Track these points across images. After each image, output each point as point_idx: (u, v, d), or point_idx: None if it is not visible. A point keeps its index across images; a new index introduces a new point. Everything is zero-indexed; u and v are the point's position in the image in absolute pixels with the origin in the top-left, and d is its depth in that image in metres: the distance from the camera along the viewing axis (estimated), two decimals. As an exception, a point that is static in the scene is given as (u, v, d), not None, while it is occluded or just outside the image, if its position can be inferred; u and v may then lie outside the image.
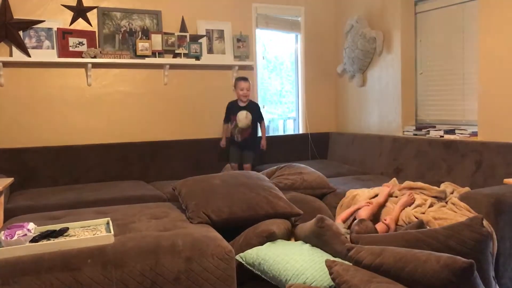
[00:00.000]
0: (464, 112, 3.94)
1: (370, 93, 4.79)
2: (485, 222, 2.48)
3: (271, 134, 5.86)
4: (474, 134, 3.63)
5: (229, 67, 4.72)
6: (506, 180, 2.49)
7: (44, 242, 2.10)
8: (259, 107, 4.51)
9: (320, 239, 2.31)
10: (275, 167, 3.79)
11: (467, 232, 1.86)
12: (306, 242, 2.42)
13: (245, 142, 4.38)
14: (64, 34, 4.04)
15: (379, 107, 4.66)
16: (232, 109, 4.40)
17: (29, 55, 3.92)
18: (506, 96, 3.36)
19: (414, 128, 4.23)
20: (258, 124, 4.50)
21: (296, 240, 2.62)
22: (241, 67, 4.78)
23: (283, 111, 6.14)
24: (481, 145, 3.41)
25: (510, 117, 3.35)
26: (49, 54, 4.01)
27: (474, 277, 1.64)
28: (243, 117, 4.33)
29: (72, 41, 4.07)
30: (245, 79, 4.40)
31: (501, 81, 3.40)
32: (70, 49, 4.06)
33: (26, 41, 3.93)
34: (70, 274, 1.97)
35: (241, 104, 4.37)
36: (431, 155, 3.78)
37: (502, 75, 3.39)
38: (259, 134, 4.58)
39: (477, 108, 3.63)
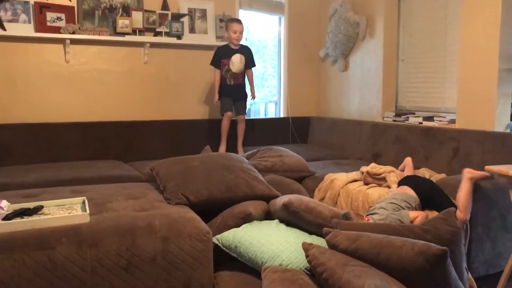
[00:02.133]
0: (443, 99, 3.98)
1: (351, 78, 4.80)
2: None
3: (252, 117, 5.85)
4: (452, 121, 3.67)
5: (211, 48, 4.66)
6: (487, 168, 2.53)
7: (17, 220, 2.06)
8: (251, 52, 4.39)
9: (296, 219, 2.32)
10: (256, 149, 3.78)
11: (442, 226, 1.89)
12: (282, 219, 2.43)
13: (238, 88, 4.30)
14: (41, 8, 3.92)
15: (360, 92, 4.68)
16: (224, 53, 4.26)
17: (4, 29, 3.80)
18: (484, 85, 3.40)
19: (394, 114, 4.26)
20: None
21: (272, 215, 2.61)
22: (223, 48, 4.72)
23: (265, 94, 6.12)
24: (458, 133, 3.46)
25: (487, 105, 3.40)
26: (25, 29, 3.90)
27: (447, 264, 1.67)
28: (237, 61, 4.20)
29: (50, 16, 3.96)
30: (238, 21, 4.28)
31: (480, 70, 3.43)
32: (48, 24, 3.96)
33: (2, 14, 3.81)
34: (43, 253, 1.94)
35: (234, 48, 4.26)
36: (409, 141, 3.82)
37: (481, 64, 3.42)
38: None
39: (456, 96, 3.67)
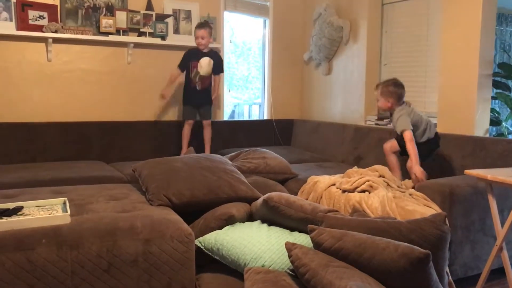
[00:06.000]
0: (425, 104, 4.03)
1: (335, 82, 4.83)
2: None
3: (236, 118, 5.85)
4: (433, 125, 3.72)
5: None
6: (467, 171, 2.57)
7: (-4, 220, 2.03)
8: (221, 58, 4.32)
9: (276, 214, 2.33)
10: (239, 151, 3.78)
11: (429, 228, 1.90)
12: (264, 218, 2.43)
13: (204, 93, 4.23)
14: (23, 6, 3.87)
15: (343, 96, 4.71)
16: (193, 56, 4.17)
17: (-15, 26, 3.75)
18: (465, 89, 3.46)
19: (376, 118, 4.30)
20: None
21: (254, 216, 2.60)
22: (208, 50, 4.71)
23: (249, 96, 6.14)
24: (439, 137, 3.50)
25: (467, 110, 3.45)
26: (7, 27, 3.84)
27: (429, 267, 1.69)
28: (205, 64, 4.08)
29: (32, 14, 3.91)
30: (202, 25, 4.16)
31: (460, 76, 3.49)
32: (30, 22, 3.90)
33: (-18, 11, 3.75)
34: (23, 254, 1.91)
35: (203, 51, 4.18)
36: (391, 145, 3.85)
37: (461, 69, 3.48)
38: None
39: (437, 100, 3.72)
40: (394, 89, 3.28)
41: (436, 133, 3.31)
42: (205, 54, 4.17)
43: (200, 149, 4.33)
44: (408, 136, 3.14)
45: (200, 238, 2.35)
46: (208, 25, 4.23)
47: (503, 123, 4.41)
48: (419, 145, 3.18)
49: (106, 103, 4.34)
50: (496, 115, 4.37)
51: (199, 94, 4.24)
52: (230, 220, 2.44)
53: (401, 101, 3.29)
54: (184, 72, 4.26)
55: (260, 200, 2.44)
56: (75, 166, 3.67)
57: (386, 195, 2.84)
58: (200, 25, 4.20)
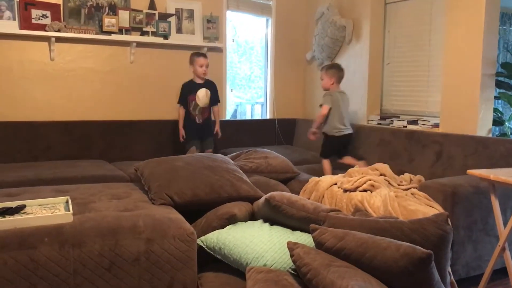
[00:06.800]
0: (427, 103, 4.03)
1: (337, 81, 4.82)
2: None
3: (238, 118, 5.85)
4: (436, 125, 3.72)
5: (197, 48, 4.65)
6: (469, 171, 2.57)
7: (-1, 219, 2.03)
8: (216, 87, 4.33)
9: (278, 214, 2.32)
10: (241, 150, 3.78)
11: (432, 228, 1.89)
12: (266, 218, 2.43)
13: (205, 125, 4.23)
14: (26, 5, 3.88)
15: (345, 95, 4.70)
16: (190, 89, 4.19)
17: (-12, 25, 3.76)
18: (468, 89, 3.45)
19: (379, 117, 4.30)
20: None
21: (256, 215, 2.60)
22: (210, 49, 4.72)
23: (251, 96, 6.14)
24: (441, 137, 3.50)
25: (470, 110, 3.45)
26: (10, 26, 3.85)
27: (431, 267, 1.69)
28: (203, 95, 4.13)
29: (35, 13, 3.92)
30: (204, 55, 4.21)
31: (463, 75, 3.48)
32: (33, 21, 3.91)
33: (-15, 10, 3.76)
34: (25, 253, 1.91)
35: (199, 82, 4.20)
36: (393, 144, 3.85)
37: (464, 69, 3.47)
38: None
39: (440, 100, 3.72)
40: (336, 71, 4.01)
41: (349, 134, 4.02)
42: (201, 86, 4.18)
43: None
44: (323, 110, 3.93)
45: (202, 237, 2.35)
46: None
47: (506, 123, 4.40)
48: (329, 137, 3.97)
49: (108, 102, 4.35)
50: (499, 115, 4.37)
51: (200, 127, 4.23)
52: (232, 220, 2.44)
53: (338, 83, 4.03)
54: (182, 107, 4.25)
55: (262, 200, 2.44)
56: (77, 165, 3.68)
57: (388, 194, 2.84)
58: (202, 54, 4.21)
